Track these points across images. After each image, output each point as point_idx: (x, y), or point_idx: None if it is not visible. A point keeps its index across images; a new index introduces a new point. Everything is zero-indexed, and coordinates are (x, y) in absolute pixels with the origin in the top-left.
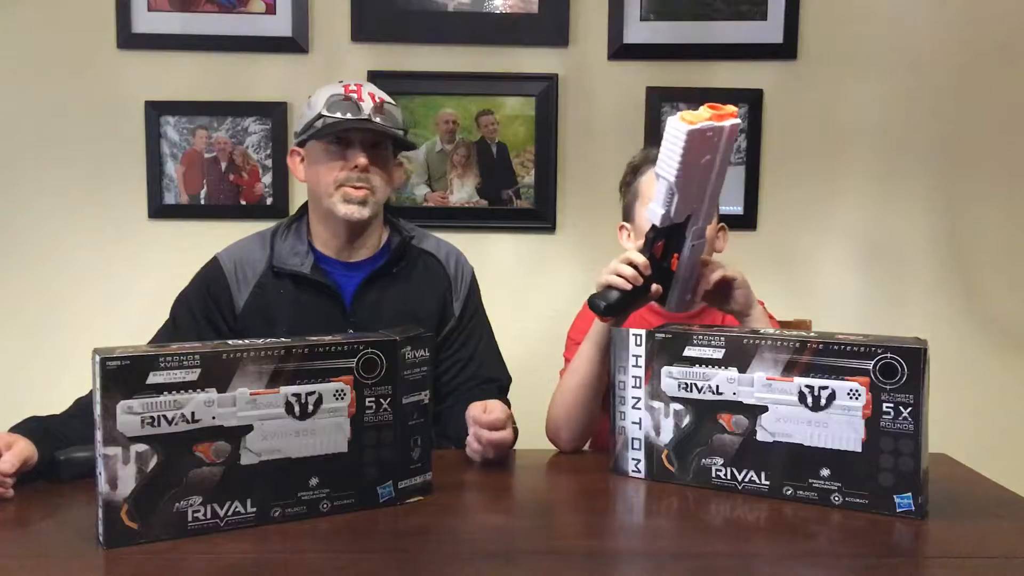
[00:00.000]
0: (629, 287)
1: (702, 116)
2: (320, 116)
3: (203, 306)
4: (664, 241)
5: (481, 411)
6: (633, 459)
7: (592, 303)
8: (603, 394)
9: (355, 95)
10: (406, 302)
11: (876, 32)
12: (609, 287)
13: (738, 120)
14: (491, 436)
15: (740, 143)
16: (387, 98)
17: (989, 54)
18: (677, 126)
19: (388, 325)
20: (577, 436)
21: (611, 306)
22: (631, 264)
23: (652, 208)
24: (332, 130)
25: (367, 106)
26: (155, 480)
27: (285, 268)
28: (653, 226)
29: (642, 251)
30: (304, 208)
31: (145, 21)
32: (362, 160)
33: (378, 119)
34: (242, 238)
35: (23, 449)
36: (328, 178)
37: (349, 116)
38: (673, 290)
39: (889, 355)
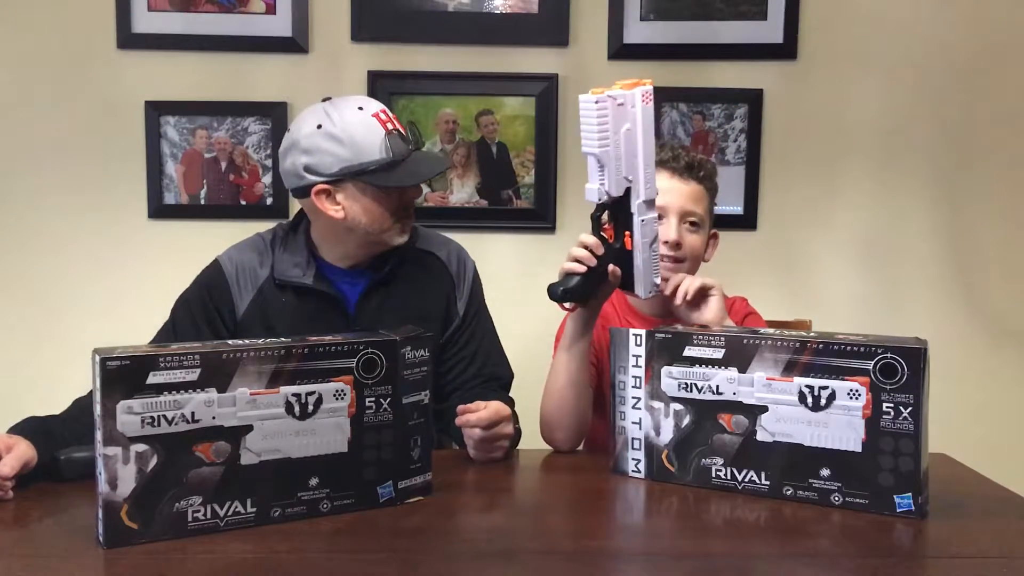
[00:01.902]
0: (583, 269)
1: (611, 89)
2: (388, 160)
3: (203, 309)
4: (612, 223)
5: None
6: (633, 459)
7: (550, 291)
8: (593, 391)
9: (392, 125)
10: (410, 306)
11: (876, 32)
12: (567, 274)
13: (649, 87)
14: (464, 419)
15: (740, 143)
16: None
17: (989, 54)
18: (586, 99)
19: (392, 330)
20: (572, 435)
21: (568, 291)
22: (584, 247)
23: (588, 188)
24: (413, 179)
25: (402, 134)
26: (155, 480)
27: (287, 280)
28: (596, 205)
29: (592, 233)
30: (300, 216)
31: (145, 21)
32: (419, 195)
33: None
34: (241, 241)
35: (23, 452)
36: (386, 217)
37: (413, 153)
38: (637, 272)
39: (889, 355)
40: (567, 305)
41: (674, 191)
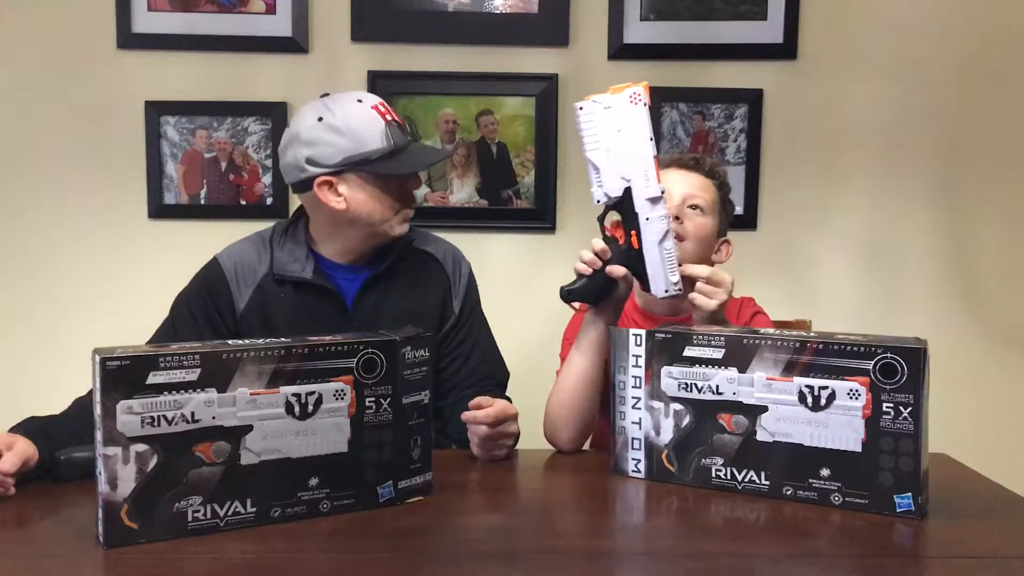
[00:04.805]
0: (589, 271)
1: (602, 94)
2: (389, 149)
3: (203, 307)
4: (622, 226)
5: (478, 407)
6: (633, 459)
7: (560, 292)
8: (600, 393)
9: (391, 116)
10: (407, 303)
11: (876, 32)
12: (577, 276)
13: (639, 88)
14: (471, 415)
15: (740, 143)
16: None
17: (989, 54)
18: (575, 106)
19: (389, 327)
20: (576, 435)
21: (572, 291)
22: (592, 251)
23: (591, 191)
24: (414, 166)
25: (400, 125)
26: (155, 480)
27: (286, 275)
28: (603, 208)
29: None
30: (299, 213)
31: (145, 21)
32: (419, 185)
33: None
34: (240, 240)
35: (24, 449)
36: (387, 206)
37: (412, 143)
38: (649, 270)
39: (889, 355)
40: (575, 304)
41: (678, 180)
